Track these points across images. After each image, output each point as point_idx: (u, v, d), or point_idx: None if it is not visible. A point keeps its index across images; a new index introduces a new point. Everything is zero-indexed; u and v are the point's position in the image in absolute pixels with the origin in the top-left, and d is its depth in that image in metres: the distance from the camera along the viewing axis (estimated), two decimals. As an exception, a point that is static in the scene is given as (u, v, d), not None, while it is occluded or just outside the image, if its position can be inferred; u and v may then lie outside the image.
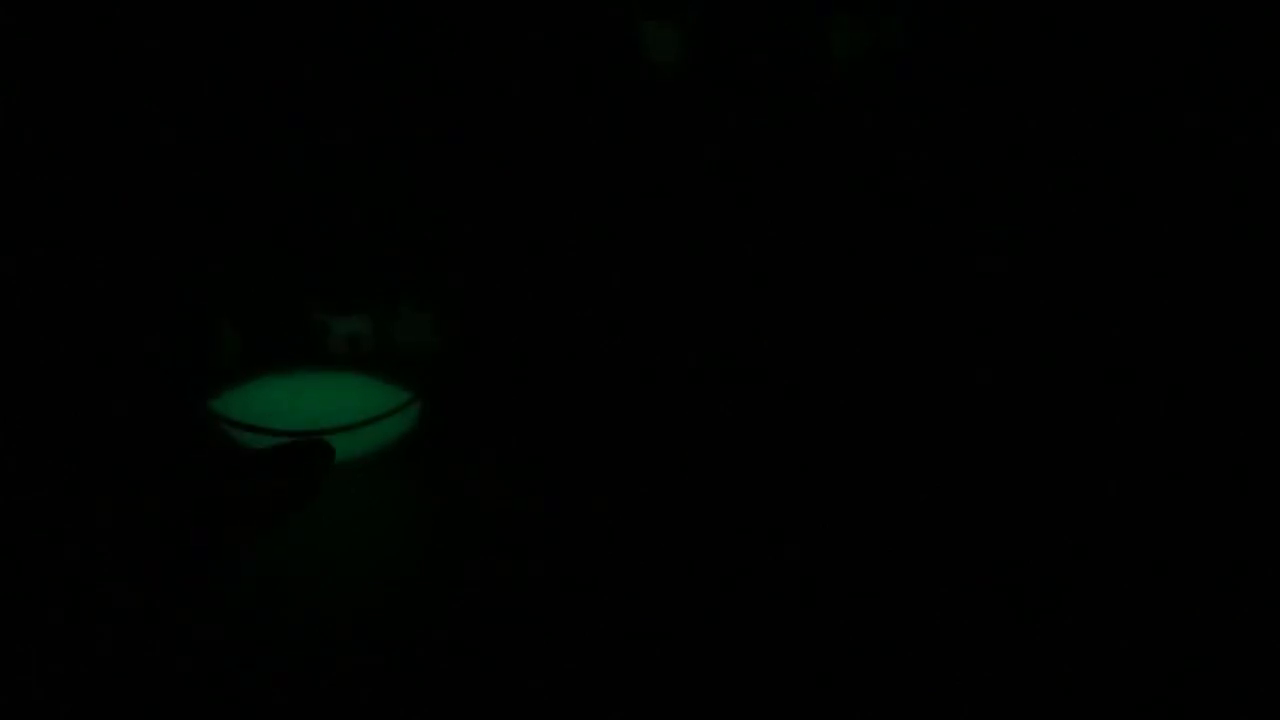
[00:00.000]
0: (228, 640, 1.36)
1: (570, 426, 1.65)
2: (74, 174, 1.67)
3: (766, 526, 1.51)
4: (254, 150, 1.69)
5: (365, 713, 1.29)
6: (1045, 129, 1.75)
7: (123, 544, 1.49)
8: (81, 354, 1.69)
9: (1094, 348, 1.70)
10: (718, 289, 1.74)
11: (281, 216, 1.70)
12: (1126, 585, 1.43)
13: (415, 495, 1.59)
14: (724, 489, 1.56)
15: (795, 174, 1.74)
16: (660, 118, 1.74)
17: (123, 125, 1.68)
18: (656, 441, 1.63)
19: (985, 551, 1.47)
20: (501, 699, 1.31)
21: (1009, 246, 1.74)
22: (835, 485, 1.56)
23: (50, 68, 1.65)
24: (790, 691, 1.31)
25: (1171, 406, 1.64)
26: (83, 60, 1.65)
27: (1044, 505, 1.53)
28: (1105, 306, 1.73)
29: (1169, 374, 1.68)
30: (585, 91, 1.73)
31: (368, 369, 1.67)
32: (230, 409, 1.62)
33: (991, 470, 1.57)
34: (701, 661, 1.34)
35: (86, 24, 1.64)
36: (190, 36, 1.66)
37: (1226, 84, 1.72)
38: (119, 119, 1.67)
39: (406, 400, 1.60)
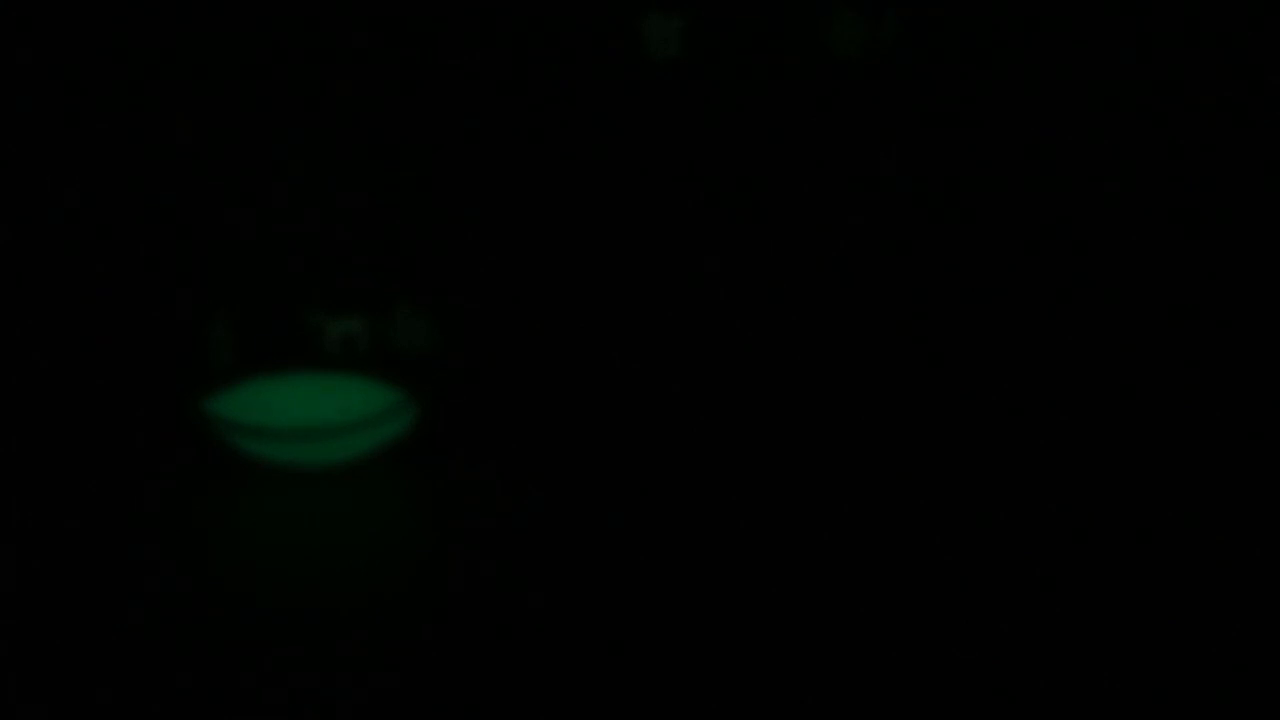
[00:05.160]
0: (227, 638, 1.35)
1: (568, 427, 1.65)
2: (73, 173, 1.67)
3: (766, 526, 1.51)
4: (252, 150, 1.68)
5: (365, 712, 1.29)
6: (1043, 126, 1.75)
7: (119, 542, 1.49)
8: (78, 354, 1.68)
9: (1093, 347, 1.71)
10: (716, 287, 1.74)
11: (278, 217, 1.70)
12: (1124, 585, 1.43)
13: (415, 495, 1.59)
14: (723, 489, 1.56)
15: (793, 170, 1.74)
16: (659, 115, 1.74)
17: (122, 125, 1.67)
18: (655, 442, 1.63)
19: (984, 551, 1.47)
20: (502, 699, 1.30)
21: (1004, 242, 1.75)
22: (835, 485, 1.56)
23: (50, 68, 1.65)
24: (790, 691, 1.32)
25: (1169, 406, 1.65)
26: (83, 60, 1.65)
27: (1043, 505, 1.53)
28: (1103, 303, 1.73)
29: (1168, 373, 1.68)
30: (584, 90, 1.73)
31: (363, 370, 1.67)
32: (224, 409, 1.62)
33: (990, 470, 1.58)
34: (701, 661, 1.34)
35: (86, 24, 1.64)
36: (190, 37, 1.66)
37: (1225, 81, 1.73)
38: (118, 119, 1.67)
39: (402, 401, 1.60)
